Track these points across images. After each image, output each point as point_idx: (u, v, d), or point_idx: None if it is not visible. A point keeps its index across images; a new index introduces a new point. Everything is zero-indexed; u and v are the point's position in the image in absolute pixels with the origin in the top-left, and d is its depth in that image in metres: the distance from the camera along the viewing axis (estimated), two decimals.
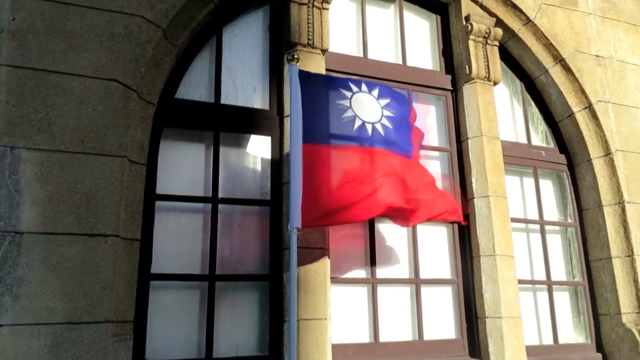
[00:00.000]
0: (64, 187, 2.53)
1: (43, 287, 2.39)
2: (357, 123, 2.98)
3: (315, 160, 2.80)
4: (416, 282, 3.53)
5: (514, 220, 3.82)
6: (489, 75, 3.89)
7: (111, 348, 2.45)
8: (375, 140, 2.99)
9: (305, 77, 2.92)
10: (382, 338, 3.31)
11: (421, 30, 4.19)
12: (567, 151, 4.25)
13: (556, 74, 4.14)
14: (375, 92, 3.15)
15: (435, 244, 3.71)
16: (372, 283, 3.40)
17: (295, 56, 2.93)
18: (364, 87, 3.11)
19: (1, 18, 2.61)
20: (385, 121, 3.06)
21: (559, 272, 4.06)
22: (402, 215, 3.06)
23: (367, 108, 3.06)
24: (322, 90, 2.97)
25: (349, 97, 3.02)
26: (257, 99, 3.45)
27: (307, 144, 2.77)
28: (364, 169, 2.90)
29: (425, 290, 3.56)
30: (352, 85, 3.07)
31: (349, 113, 2.98)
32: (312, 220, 2.72)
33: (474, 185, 3.69)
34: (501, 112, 4.11)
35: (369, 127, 3.00)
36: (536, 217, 4.06)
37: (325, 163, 2.83)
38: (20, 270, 2.38)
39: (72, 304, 2.42)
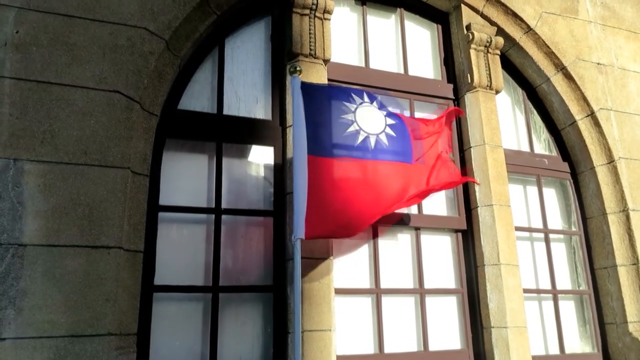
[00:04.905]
0: (67, 199, 2.52)
1: (46, 300, 2.38)
2: (362, 136, 2.99)
3: (319, 172, 2.79)
4: (420, 292, 3.50)
5: (518, 229, 3.80)
6: (490, 84, 3.89)
7: None
8: (378, 151, 2.99)
9: (308, 89, 2.92)
10: (387, 349, 3.28)
11: (422, 39, 4.21)
12: (570, 159, 4.24)
13: (558, 82, 4.14)
14: (376, 103, 3.16)
15: (440, 254, 3.69)
16: (377, 293, 3.38)
17: (298, 68, 2.94)
18: (366, 98, 3.12)
19: (5, 31, 2.62)
20: (389, 130, 3.06)
21: (564, 281, 4.03)
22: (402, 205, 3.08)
23: (370, 120, 3.05)
24: (325, 102, 2.98)
25: (353, 110, 3.02)
26: (260, 110, 3.46)
27: (311, 155, 2.77)
28: (367, 182, 2.90)
29: (429, 300, 3.54)
30: (354, 97, 3.07)
31: (354, 127, 2.99)
32: (316, 231, 2.71)
33: (477, 194, 3.68)
34: (503, 121, 4.11)
35: (372, 139, 3.00)
36: (540, 225, 4.04)
37: (329, 175, 2.83)
38: (23, 283, 2.36)
39: (75, 316, 2.40)
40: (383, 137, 3.02)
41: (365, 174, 2.92)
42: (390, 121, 3.11)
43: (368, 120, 3.04)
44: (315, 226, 2.71)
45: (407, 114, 3.85)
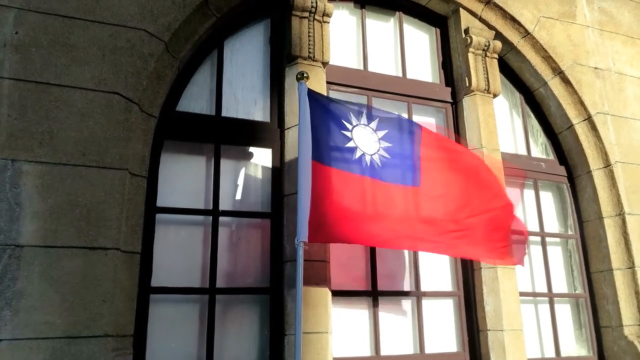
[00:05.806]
0: (64, 200, 2.52)
1: (42, 301, 2.37)
2: (358, 153, 2.98)
3: (322, 179, 2.79)
4: (417, 294, 3.51)
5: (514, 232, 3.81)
6: (488, 88, 3.91)
7: None
8: (373, 171, 2.97)
9: (313, 97, 2.92)
10: (384, 351, 3.29)
11: (421, 43, 4.22)
12: (567, 163, 4.26)
13: (555, 86, 4.16)
14: (374, 124, 3.10)
15: (436, 256, 3.69)
16: (373, 296, 3.38)
17: (305, 74, 2.93)
18: (363, 119, 3.07)
19: (4, 32, 2.62)
20: (382, 152, 3.04)
21: (560, 284, 4.05)
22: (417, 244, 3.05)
23: (366, 140, 3.04)
24: (328, 114, 2.97)
25: (351, 129, 3.01)
26: (258, 112, 3.46)
27: (314, 161, 2.77)
28: (365, 195, 2.90)
29: (426, 302, 3.55)
30: (352, 117, 3.03)
31: (352, 144, 2.98)
32: (318, 235, 2.72)
33: None
34: (501, 124, 4.12)
35: (367, 158, 2.99)
36: (537, 228, 4.05)
37: (331, 183, 2.82)
38: (20, 284, 2.36)
39: (71, 318, 2.40)
40: (376, 158, 3.00)
41: (363, 188, 2.90)
42: (385, 144, 3.08)
43: (364, 140, 3.02)
44: (317, 230, 2.72)
45: (405, 117, 3.86)
